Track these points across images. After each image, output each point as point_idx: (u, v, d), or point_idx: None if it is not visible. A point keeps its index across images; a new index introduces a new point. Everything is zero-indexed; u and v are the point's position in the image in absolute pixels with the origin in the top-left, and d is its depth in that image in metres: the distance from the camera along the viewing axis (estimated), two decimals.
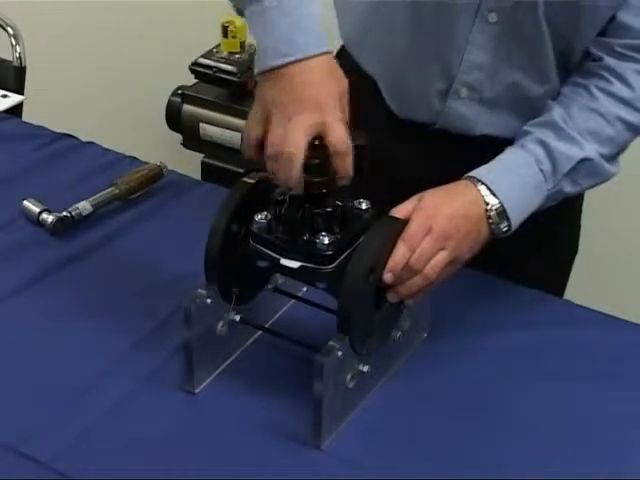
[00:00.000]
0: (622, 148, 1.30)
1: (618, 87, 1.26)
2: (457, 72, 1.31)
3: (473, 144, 1.35)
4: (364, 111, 1.16)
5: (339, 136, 1.10)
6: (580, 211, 1.51)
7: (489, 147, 1.26)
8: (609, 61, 1.26)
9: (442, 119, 1.36)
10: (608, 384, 1.24)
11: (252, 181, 1.19)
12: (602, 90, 1.26)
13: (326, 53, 1.14)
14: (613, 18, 1.25)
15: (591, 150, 1.25)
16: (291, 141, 1.09)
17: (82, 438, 1.14)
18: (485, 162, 1.24)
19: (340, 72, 1.15)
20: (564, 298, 1.40)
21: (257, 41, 1.16)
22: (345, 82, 1.15)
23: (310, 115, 1.10)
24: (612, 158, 1.29)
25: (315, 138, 1.11)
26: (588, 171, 1.26)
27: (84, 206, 1.48)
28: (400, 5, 1.30)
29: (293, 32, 1.13)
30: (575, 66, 1.31)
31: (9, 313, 1.32)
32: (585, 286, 1.59)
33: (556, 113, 1.26)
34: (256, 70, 1.15)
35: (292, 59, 1.12)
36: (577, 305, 1.38)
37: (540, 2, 1.23)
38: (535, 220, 1.25)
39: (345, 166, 1.11)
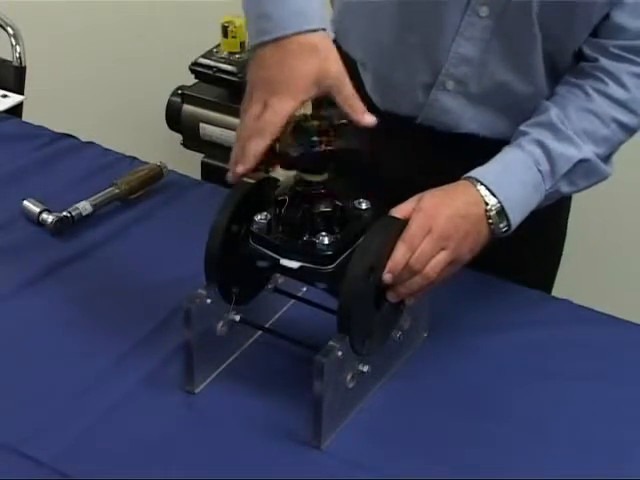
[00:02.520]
0: (616, 148, 1.30)
1: (613, 89, 1.26)
2: (444, 64, 1.31)
3: (455, 142, 1.35)
4: None
5: (269, 115, 1.12)
6: (569, 202, 1.51)
7: (471, 146, 1.26)
8: (604, 62, 1.26)
9: (425, 112, 1.36)
10: (608, 384, 1.24)
11: (252, 181, 1.19)
12: (598, 91, 1.26)
13: (313, 31, 1.13)
14: (607, 19, 1.25)
15: (588, 151, 1.25)
16: (267, 119, 1.11)
17: (82, 438, 1.14)
18: (467, 162, 1.23)
19: (325, 51, 1.14)
20: (564, 298, 1.40)
21: (246, 18, 1.17)
22: (329, 61, 1.14)
23: (288, 101, 1.11)
24: (607, 158, 1.29)
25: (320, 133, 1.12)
26: (585, 172, 1.27)
27: (84, 206, 1.48)
28: None
29: (271, 9, 1.13)
30: (563, 68, 1.31)
31: (9, 313, 1.32)
32: (585, 286, 1.59)
33: (553, 113, 1.26)
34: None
35: (269, 37, 1.12)
36: (577, 305, 1.38)
37: (535, 2, 1.23)
38: (528, 217, 1.26)
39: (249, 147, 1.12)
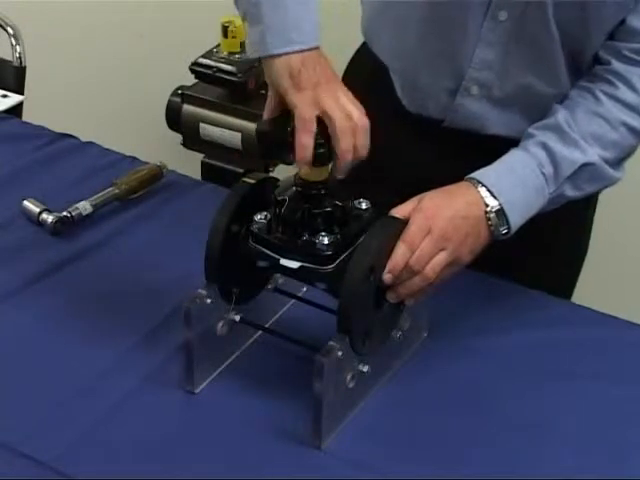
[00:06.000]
0: (627, 153, 1.29)
1: (624, 92, 1.25)
2: (467, 69, 1.31)
3: (482, 144, 1.35)
4: (376, 106, 1.17)
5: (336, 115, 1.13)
6: (593, 215, 1.51)
7: (498, 147, 1.26)
8: (617, 65, 1.26)
9: (451, 115, 1.36)
10: (608, 384, 1.24)
11: (252, 181, 1.20)
12: (608, 94, 1.26)
13: (316, 48, 1.17)
14: (623, 22, 1.25)
15: (593, 155, 1.25)
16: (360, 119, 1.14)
17: (82, 438, 1.14)
18: (493, 162, 1.24)
19: (326, 63, 1.17)
20: (564, 298, 1.40)
21: (248, 26, 1.19)
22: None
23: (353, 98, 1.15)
24: (616, 163, 1.28)
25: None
26: (590, 175, 1.26)
27: (84, 206, 1.48)
28: (413, 1, 1.30)
29: (298, 21, 1.16)
30: (586, 68, 1.30)
31: (9, 313, 1.32)
32: (586, 286, 1.59)
33: (560, 116, 1.26)
34: (256, 55, 1.18)
35: (304, 47, 1.15)
36: (578, 305, 1.38)
37: (549, 2, 1.23)
38: (544, 222, 1.25)
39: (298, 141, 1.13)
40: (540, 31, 1.26)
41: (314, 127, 1.13)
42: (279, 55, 1.16)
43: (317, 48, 1.17)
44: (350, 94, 1.16)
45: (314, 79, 1.14)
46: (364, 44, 1.45)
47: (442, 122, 1.38)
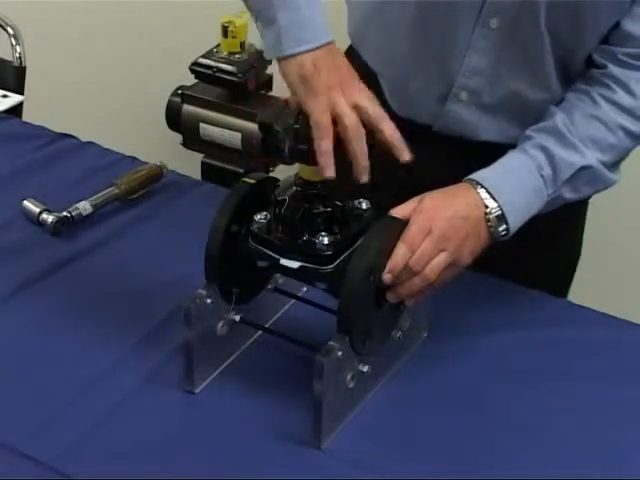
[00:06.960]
0: (623, 156, 1.29)
1: (621, 96, 1.25)
2: (457, 76, 1.31)
3: (474, 149, 1.35)
4: None
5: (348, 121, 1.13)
6: (585, 214, 1.51)
7: (490, 153, 1.26)
8: (613, 69, 1.26)
9: (440, 121, 1.36)
10: (608, 384, 1.24)
11: (252, 181, 1.20)
12: (605, 98, 1.26)
13: (328, 44, 1.17)
14: (617, 26, 1.25)
15: (592, 158, 1.25)
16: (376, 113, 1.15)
17: (82, 438, 1.14)
18: (484, 167, 1.23)
19: (341, 60, 1.18)
20: (564, 298, 1.40)
21: (262, 27, 1.20)
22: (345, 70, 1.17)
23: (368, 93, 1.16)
24: (613, 165, 1.28)
25: None
26: (588, 178, 1.26)
27: (84, 206, 1.48)
28: (404, 6, 1.30)
29: (310, 16, 1.17)
30: (576, 74, 1.30)
31: (9, 313, 1.32)
32: (585, 286, 1.59)
33: (558, 119, 1.26)
34: (271, 56, 1.19)
35: (316, 44, 1.16)
36: (577, 305, 1.38)
37: (541, 10, 1.22)
38: (543, 222, 1.25)
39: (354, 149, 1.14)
40: (531, 37, 1.26)
41: (331, 132, 1.12)
42: (293, 56, 1.16)
43: (329, 43, 1.17)
44: (366, 90, 1.16)
45: (327, 82, 1.14)
46: (351, 47, 1.44)
47: (432, 127, 1.38)
